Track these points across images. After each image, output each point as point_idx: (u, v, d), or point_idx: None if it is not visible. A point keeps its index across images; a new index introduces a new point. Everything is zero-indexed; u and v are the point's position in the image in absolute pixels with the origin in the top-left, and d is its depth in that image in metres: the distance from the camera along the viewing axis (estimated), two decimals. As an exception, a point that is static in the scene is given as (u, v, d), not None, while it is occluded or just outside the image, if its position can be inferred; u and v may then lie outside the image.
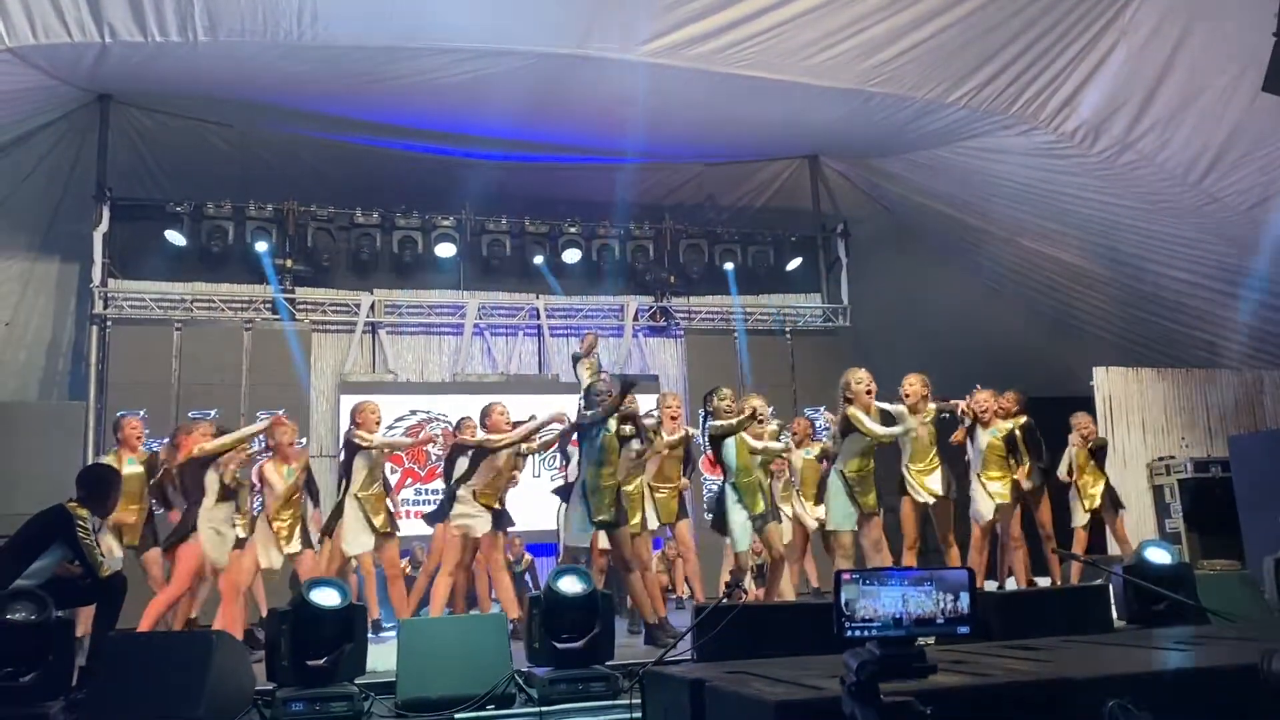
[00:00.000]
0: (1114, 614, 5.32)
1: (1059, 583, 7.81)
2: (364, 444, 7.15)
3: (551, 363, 12.11)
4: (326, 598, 4.41)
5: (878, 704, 1.74)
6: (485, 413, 7.17)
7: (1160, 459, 10.74)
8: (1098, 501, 8.19)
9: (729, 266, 12.42)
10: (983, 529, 7.40)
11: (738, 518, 6.44)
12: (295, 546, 7.02)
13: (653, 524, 7.23)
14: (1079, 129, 9.78)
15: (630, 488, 6.75)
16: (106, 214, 10.54)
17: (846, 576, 2.02)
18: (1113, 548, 8.70)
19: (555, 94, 9.95)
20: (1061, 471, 8.29)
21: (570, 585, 4.84)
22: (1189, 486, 10.34)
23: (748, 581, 7.45)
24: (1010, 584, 7.83)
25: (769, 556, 6.73)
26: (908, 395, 7.14)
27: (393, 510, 7.58)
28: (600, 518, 6.17)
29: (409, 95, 9.99)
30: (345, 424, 10.85)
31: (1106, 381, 10.94)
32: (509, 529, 7.30)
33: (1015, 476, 7.48)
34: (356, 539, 7.14)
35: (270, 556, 6.95)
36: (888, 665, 1.80)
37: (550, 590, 4.80)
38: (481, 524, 6.81)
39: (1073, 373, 11.71)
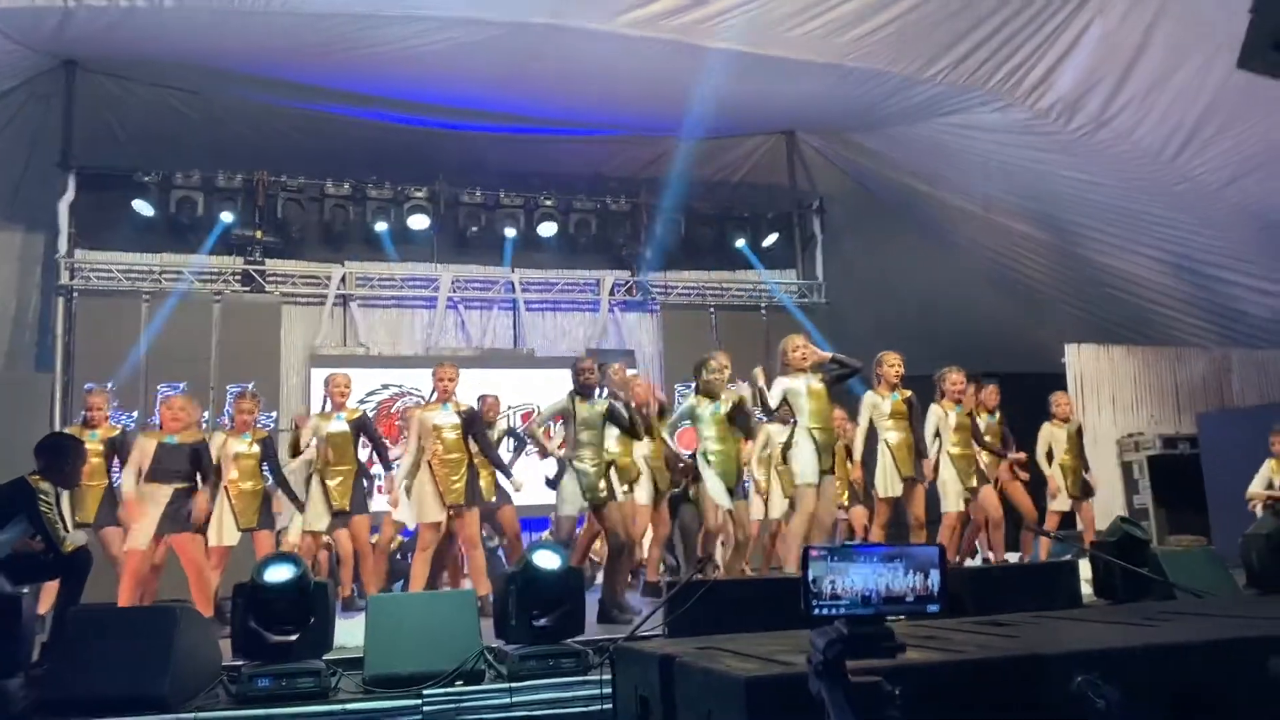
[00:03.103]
0: (1083, 589, 5.35)
1: (1027, 559, 7.87)
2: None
3: (526, 337, 12.03)
4: (278, 574, 4.35)
5: (845, 684, 1.72)
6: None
7: (1129, 435, 10.83)
8: (1077, 488, 8.19)
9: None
10: (956, 515, 7.41)
11: (714, 482, 6.47)
12: (253, 523, 6.97)
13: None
14: (1054, 105, 9.79)
15: (625, 460, 6.78)
16: (72, 183, 10.35)
17: (815, 553, 1.98)
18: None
19: (531, 64, 9.83)
20: (1041, 455, 8.24)
21: (546, 560, 4.81)
22: (1157, 463, 10.43)
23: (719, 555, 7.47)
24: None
25: (737, 534, 6.71)
26: (889, 374, 7.15)
27: (365, 488, 7.52)
28: (590, 494, 6.26)
29: (381, 64, 9.84)
30: (316, 397, 10.85)
31: (1078, 358, 11.01)
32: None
33: (985, 461, 7.51)
34: (316, 518, 7.16)
35: (224, 534, 6.88)
36: (856, 644, 1.77)
37: (528, 565, 4.77)
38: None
39: (1044, 349, 11.77)
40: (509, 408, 11.41)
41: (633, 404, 6.79)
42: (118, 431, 7.45)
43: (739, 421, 6.81)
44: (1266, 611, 3.91)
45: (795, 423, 6.60)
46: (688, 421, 6.92)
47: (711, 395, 6.68)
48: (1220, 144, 9.32)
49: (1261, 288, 10.95)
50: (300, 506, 7.34)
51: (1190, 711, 2.60)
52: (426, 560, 6.83)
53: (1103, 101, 9.52)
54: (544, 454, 7.19)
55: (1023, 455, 7.89)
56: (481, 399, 7.91)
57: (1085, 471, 8.25)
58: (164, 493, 6.33)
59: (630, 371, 8.90)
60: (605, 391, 6.75)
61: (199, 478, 6.53)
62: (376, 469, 7.94)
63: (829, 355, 6.78)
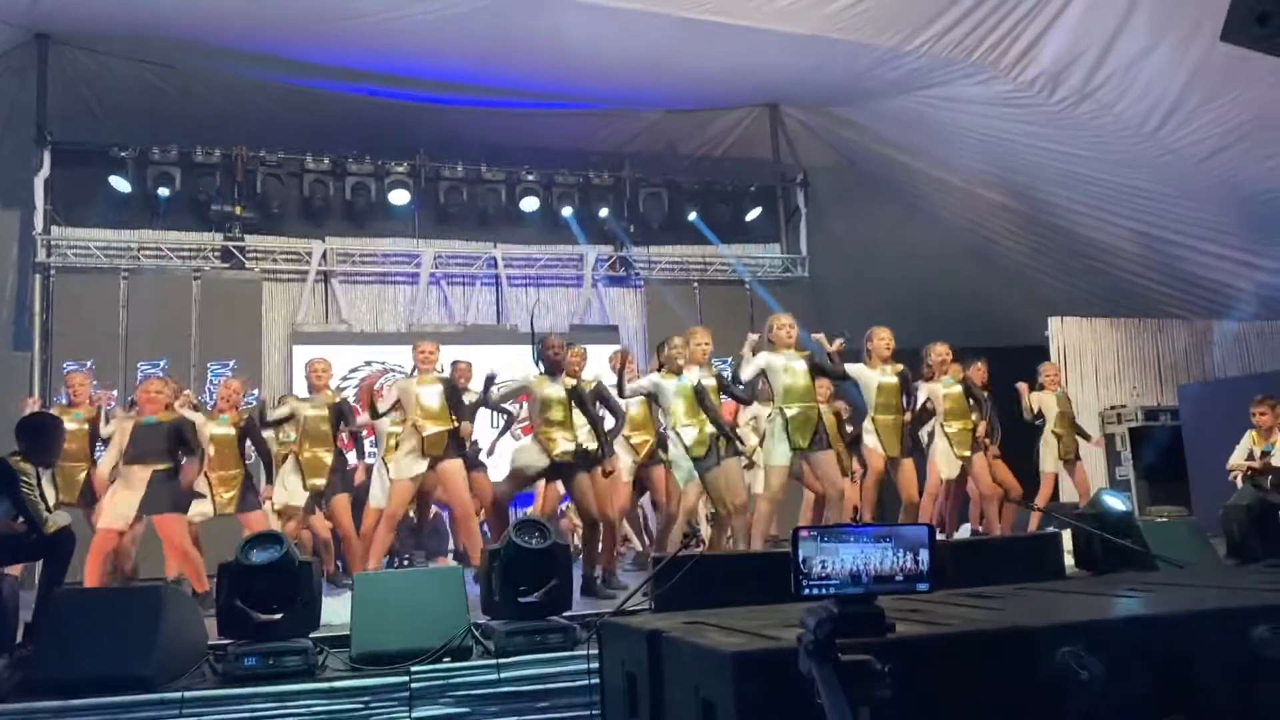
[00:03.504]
0: (1067, 561, 5.39)
1: (1006, 531, 7.94)
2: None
3: (509, 313, 11.99)
4: (263, 553, 4.33)
5: (835, 662, 1.72)
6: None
7: (1112, 408, 10.90)
8: (1069, 452, 8.36)
9: (692, 216, 12.38)
10: (941, 481, 7.47)
11: (679, 458, 6.47)
12: (230, 508, 6.94)
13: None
14: (1038, 78, 9.77)
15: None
16: (48, 159, 10.22)
17: (805, 534, 1.98)
18: (1065, 495, 8.84)
19: (513, 37, 9.75)
20: (1026, 409, 8.40)
21: (529, 537, 4.80)
22: (1139, 435, 10.51)
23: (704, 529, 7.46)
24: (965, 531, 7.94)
25: (720, 508, 6.63)
26: (879, 349, 7.15)
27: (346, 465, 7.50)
28: (555, 454, 6.19)
29: (362, 38, 9.74)
30: (299, 375, 10.78)
31: (1061, 331, 11.07)
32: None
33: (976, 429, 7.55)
34: (292, 494, 7.17)
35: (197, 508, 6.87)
36: (846, 623, 1.78)
37: (510, 542, 4.77)
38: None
39: (1028, 322, 11.82)
40: (493, 383, 11.38)
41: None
42: (97, 412, 7.41)
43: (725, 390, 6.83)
44: (1247, 582, 3.95)
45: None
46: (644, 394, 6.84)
47: (675, 371, 6.61)
48: (1202, 117, 9.32)
49: (1243, 260, 11.01)
50: (270, 477, 7.34)
51: (1173, 682, 2.63)
52: (392, 527, 6.80)
53: (1086, 74, 9.50)
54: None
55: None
56: (454, 365, 7.87)
57: (1081, 436, 8.54)
58: (144, 474, 6.25)
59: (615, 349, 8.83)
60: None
61: (183, 455, 6.47)
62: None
63: (836, 366, 6.72)
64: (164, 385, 6.73)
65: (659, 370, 6.69)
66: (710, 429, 6.45)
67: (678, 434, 6.45)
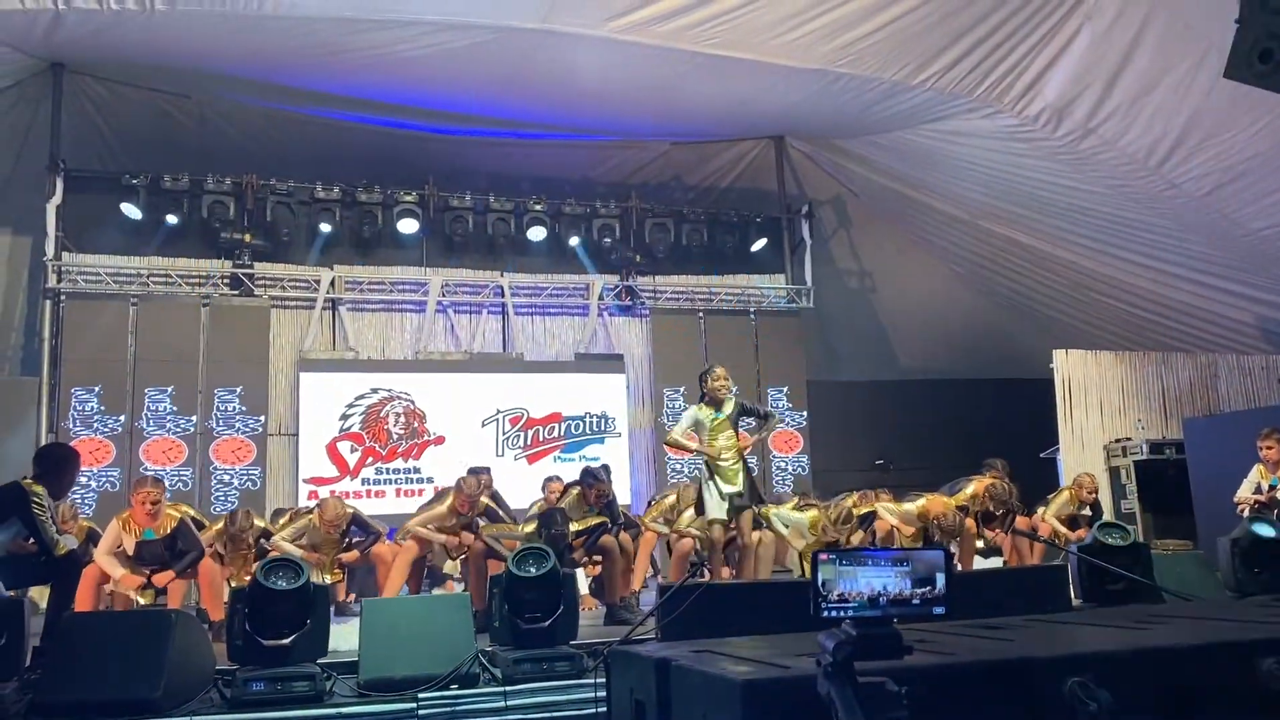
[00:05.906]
0: (1072, 593, 5.40)
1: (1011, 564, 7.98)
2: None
3: (515, 341, 12.04)
4: (280, 578, 4.36)
5: (854, 684, 1.74)
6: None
7: (1117, 441, 10.88)
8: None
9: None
10: None
11: (712, 493, 6.55)
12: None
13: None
14: (1042, 112, 9.84)
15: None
16: (60, 186, 10.30)
17: (824, 556, 2.01)
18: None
19: (521, 69, 9.85)
20: (1049, 515, 8.57)
21: (529, 566, 4.82)
22: (1144, 468, 10.48)
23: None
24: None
25: (741, 542, 6.74)
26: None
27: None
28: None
29: (372, 69, 9.85)
30: (305, 402, 10.84)
31: (1065, 364, 11.06)
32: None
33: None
34: None
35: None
36: (864, 646, 1.80)
37: (510, 571, 4.79)
38: None
39: (1033, 354, 11.85)
40: (498, 410, 11.46)
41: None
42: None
43: (751, 414, 6.92)
44: (1254, 614, 3.95)
45: None
46: (691, 428, 6.85)
47: (716, 404, 6.73)
48: (1205, 151, 9.38)
49: (1247, 294, 11.04)
50: None
51: (1180, 713, 2.63)
52: (404, 569, 6.83)
53: (1089, 108, 9.58)
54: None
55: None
56: (475, 475, 7.93)
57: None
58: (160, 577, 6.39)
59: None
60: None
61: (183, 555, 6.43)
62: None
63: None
64: (157, 487, 6.60)
65: (702, 399, 6.81)
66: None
67: (717, 467, 6.56)
